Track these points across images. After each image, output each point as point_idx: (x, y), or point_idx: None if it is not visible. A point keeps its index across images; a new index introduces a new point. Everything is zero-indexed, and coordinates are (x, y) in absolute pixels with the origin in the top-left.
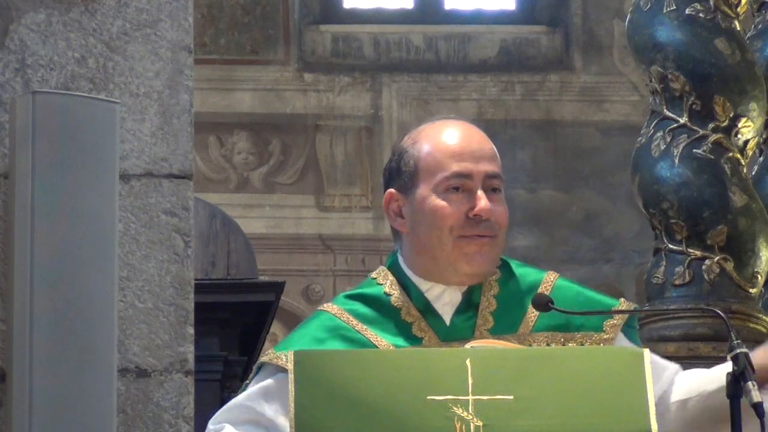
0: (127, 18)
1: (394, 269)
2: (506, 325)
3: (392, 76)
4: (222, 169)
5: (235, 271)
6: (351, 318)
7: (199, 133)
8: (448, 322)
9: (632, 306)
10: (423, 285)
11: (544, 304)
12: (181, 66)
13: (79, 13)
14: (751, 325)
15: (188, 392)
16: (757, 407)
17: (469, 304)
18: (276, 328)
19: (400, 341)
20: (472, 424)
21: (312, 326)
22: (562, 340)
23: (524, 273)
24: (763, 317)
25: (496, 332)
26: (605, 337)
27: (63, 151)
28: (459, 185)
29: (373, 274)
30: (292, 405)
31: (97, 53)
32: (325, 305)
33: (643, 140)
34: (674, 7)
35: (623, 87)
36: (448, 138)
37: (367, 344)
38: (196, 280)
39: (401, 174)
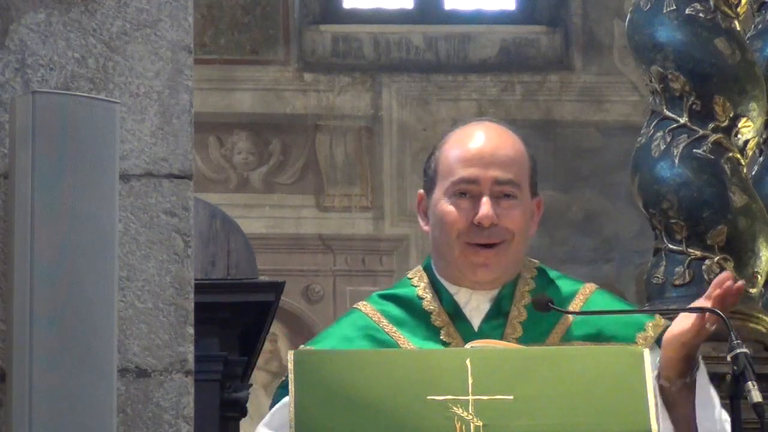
0: (127, 18)
1: (429, 271)
2: (535, 334)
3: (392, 76)
4: (222, 169)
5: (235, 271)
6: (382, 318)
7: (199, 133)
8: (476, 328)
9: (664, 326)
10: (451, 288)
11: (543, 304)
12: (181, 66)
13: (79, 13)
14: (751, 325)
15: (188, 392)
16: (757, 407)
17: (498, 312)
18: (276, 328)
19: (428, 345)
20: (472, 424)
21: (344, 324)
22: None
23: (561, 284)
24: (763, 317)
25: (524, 341)
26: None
27: (63, 151)
28: (466, 191)
29: (410, 274)
30: (292, 405)
31: (97, 53)
32: (359, 303)
33: (643, 140)
34: (674, 7)
35: (623, 87)
36: (464, 142)
37: (394, 346)
38: (196, 280)
39: (427, 175)
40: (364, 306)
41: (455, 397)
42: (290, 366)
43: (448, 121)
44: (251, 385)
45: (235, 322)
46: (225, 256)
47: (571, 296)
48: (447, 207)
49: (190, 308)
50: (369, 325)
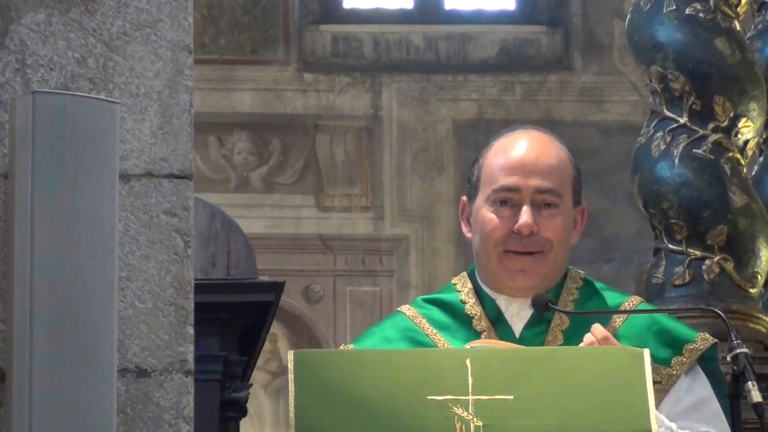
0: (127, 18)
1: (473, 277)
2: (576, 344)
3: (392, 76)
4: (222, 169)
5: (235, 271)
6: (424, 321)
7: (199, 133)
8: (518, 335)
9: (709, 343)
10: (492, 294)
11: (543, 304)
12: (181, 66)
13: (79, 13)
14: (751, 325)
15: (188, 392)
16: (757, 407)
17: (540, 319)
18: (276, 328)
19: None
20: (472, 424)
21: (386, 325)
22: None
23: (606, 296)
24: (763, 317)
25: None
26: (673, 373)
27: (63, 151)
28: (507, 199)
29: (454, 280)
30: (292, 405)
31: (97, 53)
32: (403, 306)
33: (643, 140)
34: (674, 7)
35: (623, 87)
36: (507, 149)
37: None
38: (196, 280)
39: (470, 182)
40: (407, 309)
41: (455, 397)
42: (290, 366)
43: (448, 121)
44: (251, 385)
45: (235, 322)
46: (225, 256)
47: (615, 308)
48: (488, 215)
49: (190, 308)
50: (410, 327)
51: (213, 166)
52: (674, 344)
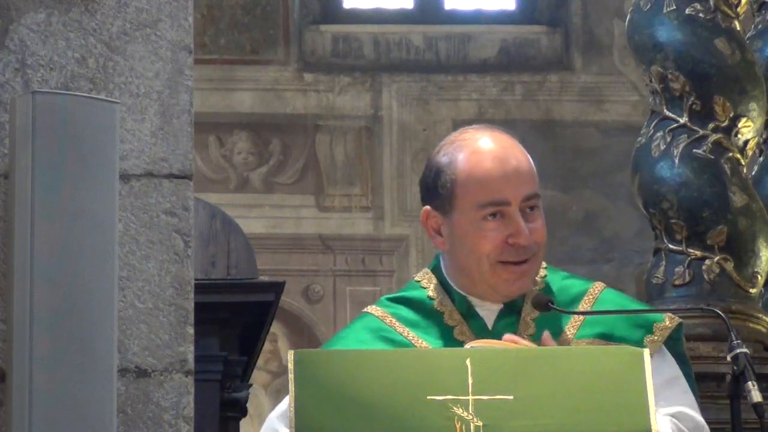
0: (127, 18)
1: (437, 273)
2: (547, 329)
3: (392, 76)
4: (222, 169)
5: (235, 271)
6: (394, 321)
7: (199, 133)
8: (490, 327)
9: (676, 322)
10: (464, 294)
11: (543, 304)
12: (181, 66)
13: (79, 13)
14: (751, 325)
15: (188, 392)
16: (757, 407)
17: (511, 309)
18: (276, 328)
19: (442, 344)
20: (472, 424)
21: (356, 328)
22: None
23: (569, 284)
24: (763, 317)
25: (538, 338)
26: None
27: (63, 151)
28: (496, 212)
29: (417, 277)
30: (292, 405)
31: (97, 53)
32: (368, 308)
33: (643, 140)
34: (674, 7)
35: (623, 87)
36: (483, 160)
37: (409, 346)
38: (196, 280)
39: (438, 194)
40: (374, 309)
41: (455, 397)
42: (290, 366)
43: (448, 121)
44: (251, 385)
45: (235, 322)
46: (225, 256)
47: (581, 295)
48: (476, 231)
49: (190, 308)
50: (381, 327)
51: (213, 166)
52: (644, 325)
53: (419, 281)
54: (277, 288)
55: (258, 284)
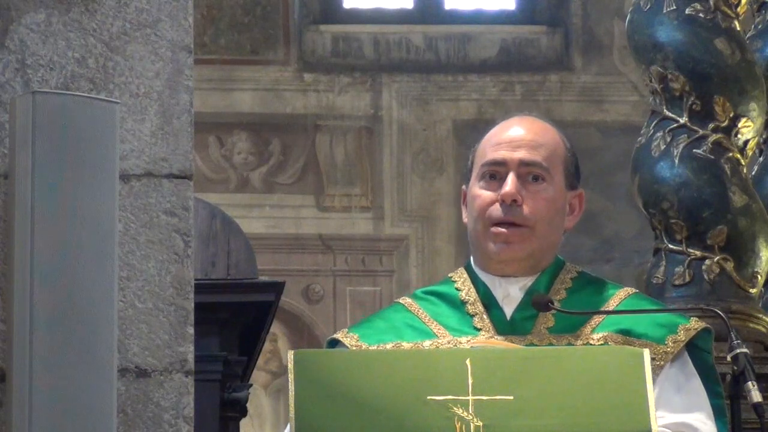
0: (127, 18)
1: (468, 267)
2: (567, 326)
3: (392, 76)
4: (222, 169)
5: (235, 271)
6: (420, 310)
7: (199, 133)
8: (508, 317)
9: (698, 328)
10: (485, 278)
11: (543, 304)
12: (181, 66)
13: (79, 13)
14: (751, 325)
15: (188, 392)
16: (757, 407)
17: (530, 303)
18: (276, 328)
19: (461, 332)
20: (472, 424)
21: (386, 314)
22: (621, 342)
23: (599, 287)
24: (763, 317)
25: (556, 331)
26: (667, 350)
27: (63, 151)
28: (495, 172)
29: (451, 274)
30: (292, 405)
31: (97, 53)
32: (401, 298)
33: (643, 140)
34: (674, 7)
35: (623, 87)
36: (499, 130)
37: (431, 335)
38: (196, 280)
39: (467, 168)
40: (404, 300)
41: (455, 397)
42: (290, 366)
43: (448, 121)
44: (251, 385)
45: (235, 322)
46: (225, 256)
47: (608, 299)
48: (476, 190)
49: (190, 308)
50: (408, 317)
51: (213, 166)
52: (668, 325)
53: (451, 277)
54: (277, 288)
55: (258, 284)
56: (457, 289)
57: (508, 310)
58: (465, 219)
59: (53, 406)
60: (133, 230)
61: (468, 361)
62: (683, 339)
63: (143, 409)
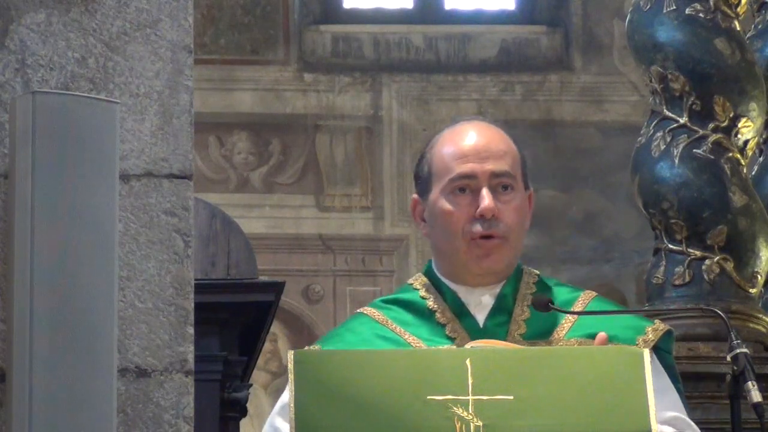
0: (127, 18)
1: (429, 274)
2: (539, 332)
3: (392, 76)
4: (222, 169)
5: (235, 271)
6: (388, 320)
7: (199, 133)
8: (481, 324)
9: (664, 329)
10: (453, 286)
11: (544, 304)
12: (181, 66)
13: (79, 13)
14: (751, 325)
15: (188, 392)
16: (757, 407)
17: (502, 308)
18: (276, 328)
19: (435, 341)
20: (472, 424)
21: (353, 325)
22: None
23: (560, 291)
24: (763, 317)
25: (529, 337)
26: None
27: (63, 151)
28: (465, 186)
29: (410, 280)
30: (292, 405)
31: (97, 53)
32: (362, 309)
33: (643, 140)
34: (674, 7)
35: (623, 87)
36: (456, 140)
37: (403, 344)
38: (196, 280)
39: (420, 179)
40: (367, 310)
41: (455, 397)
42: (290, 366)
43: (448, 121)
44: (251, 385)
45: (235, 322)
46: (225, 256)
47: (571, 302)
48: (446, 206)
49: (190, 308)
50: (377, 327)
51: (213, 166)
52: (635, 326)
53: (411, 284)
54: (277, 288)
55: (258, 284)
56: (422, 297)
57: (480, 318)
58: (424, 231)
59: (53, 406)
60: (133, 230)
61: (468, 361)
62: (652, 339)
63: (143, 409)
